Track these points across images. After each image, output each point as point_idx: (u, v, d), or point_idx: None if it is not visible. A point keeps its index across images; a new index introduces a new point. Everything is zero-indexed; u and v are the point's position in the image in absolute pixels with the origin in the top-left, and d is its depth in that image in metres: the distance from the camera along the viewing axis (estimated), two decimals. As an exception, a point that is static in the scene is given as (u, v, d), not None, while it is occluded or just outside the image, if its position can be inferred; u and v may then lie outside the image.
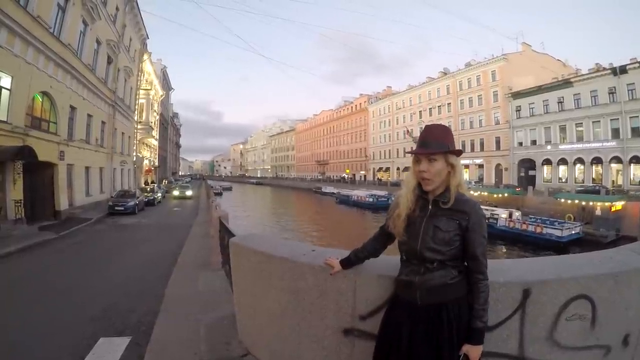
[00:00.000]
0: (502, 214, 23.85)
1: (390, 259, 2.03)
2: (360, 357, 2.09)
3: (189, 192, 32.91)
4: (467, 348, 1.55)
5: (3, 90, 11.80)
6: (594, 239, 20.10)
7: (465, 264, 1.63)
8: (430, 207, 1.65)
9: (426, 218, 1.63)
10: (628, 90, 28.60)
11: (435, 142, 1.62)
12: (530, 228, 21.27)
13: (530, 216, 24.07)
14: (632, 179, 28.87)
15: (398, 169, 57.03)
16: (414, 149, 1.66)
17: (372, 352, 1.79)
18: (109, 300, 5.28)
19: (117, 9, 23.38)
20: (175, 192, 33.22)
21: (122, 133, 27.03)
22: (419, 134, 1.73)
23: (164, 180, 48.13)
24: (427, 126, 1.71)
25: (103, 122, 22.21)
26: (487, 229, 1.63)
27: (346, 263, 2.07)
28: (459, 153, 1.65)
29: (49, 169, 15.14)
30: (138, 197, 20.43)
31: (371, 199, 40.52)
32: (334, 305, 2.20)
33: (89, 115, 19.60)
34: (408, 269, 1.70)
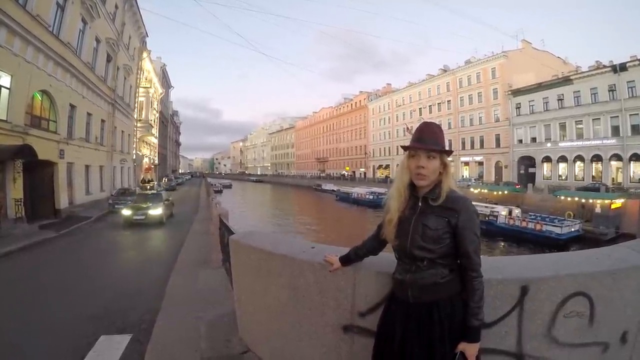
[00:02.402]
0: (502, 211, 23.85)
1: (389, 256, 2.03)
2: (359, 354, 2.10)
3: (155, 211, 14.64)
4: (463, 346, 1.54)
5: (3, 89, 11.80)
6: (594, 237, 20.16)
7: (459, 262, 1.61)
8: (420, 204, 1.64)
9: (415, 216, 1.63)
10: (628, 88, 28.49)
11: (433, 140, 1.62)
12: (530, 225, 21.29)
13: (530, 214, 24.10)
14: (632, 176, 28.84)
15: (398, 166, 56.63)
16: (412, 143, 1.64)
17: (371, 349, 1.80)
18: (110, 298, 5.31)
19: (116, 7, 23.33)
20: (126, 212, 14.41)
21: (122, 131, 27.04)
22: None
23: (164, 178, 48.07)
24: (424, 123, 1.70)
25: (103, 121, 22.21)
26: (479, 226, 1.60)
27: (345, 260, 2.09)
28: (450, 153, 1.66)
29: (49, 167, 15.14)
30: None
31: (371, 197, 40.47)
32: (333, 302, 2.21)
33: (89, 114, 19.60)
34: (400, 267, 1.71)
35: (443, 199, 1.58)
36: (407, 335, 1.61)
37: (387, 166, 61.19)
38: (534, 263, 2.13)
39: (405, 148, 1.69)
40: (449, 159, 1.69)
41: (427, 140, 1.61)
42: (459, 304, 1.58)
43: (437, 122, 1.82)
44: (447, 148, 1.66)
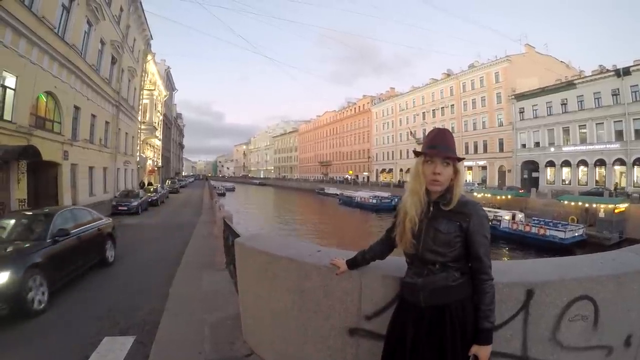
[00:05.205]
0: (506, 215, 23.79)
1: (395, 260, 2.05)
2: (365, 357, 2.11)
3: None
4: (476, 349, 1.56)
5: (8, 90, 11.86)
6: (597, 241, 20.02)
7: (470, 265, 1.64)
8: (431, 209, 1.66)
9: (427, 221, 1.65)
10: (632, 92, 28.47)
11: (447, 147, 1.63)
12: (534, 230, 21.20)
13: (534, 218, 23.98)
14: (635, 181, 28.72)
15: (401, 170, 56.90)
16: (427, 150, 1.64)
17: (378, 352, 1.81)
18: (113, 300, 5.31)
19: (121, 9, 23.48)
20: None
21: (126, 133, 27.11)
22: (422, 136, 1.73)
23: (167, 181, 48.18)
24: (439, 130, 1.72)
25: (107, 122, 22.28)
26: (489, 230, 1.63)
27: (352, 263, 2.10)
28: (462, 160, 1.68)
29: (52, 168, 15.19)
30: (141, 198, 20.54)
31: (374, 201, 40.38)
32: (339, 305, 2.22)
33: (93, 116, 19.68)
34: (412, 272, 1.73)
35: (454, 203, 1.61)
36: (418, 338, 1.62)
37: (391, 170, 61.15)
38: (539, 267, 2.14)
39: (418, 154, 1.68)
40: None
41: (441, 146, 1.63)
42: (470, 307, 1.60)
43: (441, 127, 1.83)
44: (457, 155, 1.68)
